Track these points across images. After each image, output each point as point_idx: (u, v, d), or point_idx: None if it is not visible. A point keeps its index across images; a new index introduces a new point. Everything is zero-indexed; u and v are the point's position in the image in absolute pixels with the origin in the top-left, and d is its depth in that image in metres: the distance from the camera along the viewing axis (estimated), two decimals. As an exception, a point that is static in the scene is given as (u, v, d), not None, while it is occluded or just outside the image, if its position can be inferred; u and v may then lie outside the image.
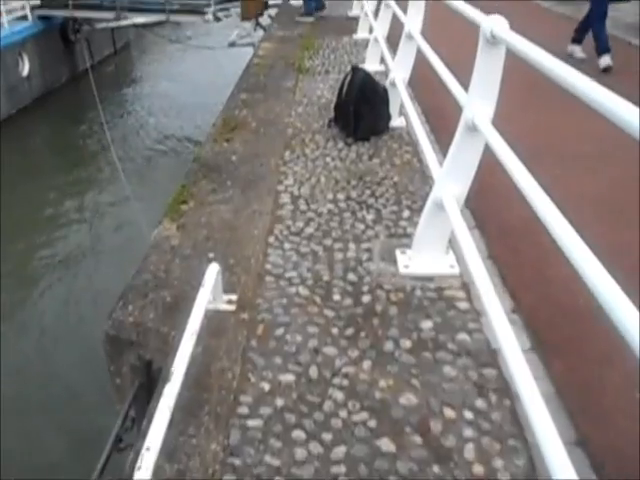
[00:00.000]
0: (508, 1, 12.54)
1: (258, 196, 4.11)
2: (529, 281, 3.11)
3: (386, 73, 6.86)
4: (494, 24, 2.44)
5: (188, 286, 3.16)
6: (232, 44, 17.27)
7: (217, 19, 16.79)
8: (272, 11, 16.58)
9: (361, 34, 9.06)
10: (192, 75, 18.99)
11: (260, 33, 16.38)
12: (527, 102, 5.73)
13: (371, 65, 7.13)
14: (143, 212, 8.78)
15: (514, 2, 12.38)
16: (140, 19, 17.41)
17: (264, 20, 16.51)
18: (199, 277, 2.75)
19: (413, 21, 4.99)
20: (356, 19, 10.59)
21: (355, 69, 5.29)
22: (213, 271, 2.80)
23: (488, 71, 2.61)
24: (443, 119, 5.37)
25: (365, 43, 8.59)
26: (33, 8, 17.86)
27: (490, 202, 3.86)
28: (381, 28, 6.94)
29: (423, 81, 5.16)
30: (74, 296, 8.87)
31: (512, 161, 2.18)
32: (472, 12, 2.86)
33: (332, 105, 5.57)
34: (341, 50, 8.40)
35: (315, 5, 10.95)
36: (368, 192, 4.13)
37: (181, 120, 16.04)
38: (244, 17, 15.87)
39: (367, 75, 5.24)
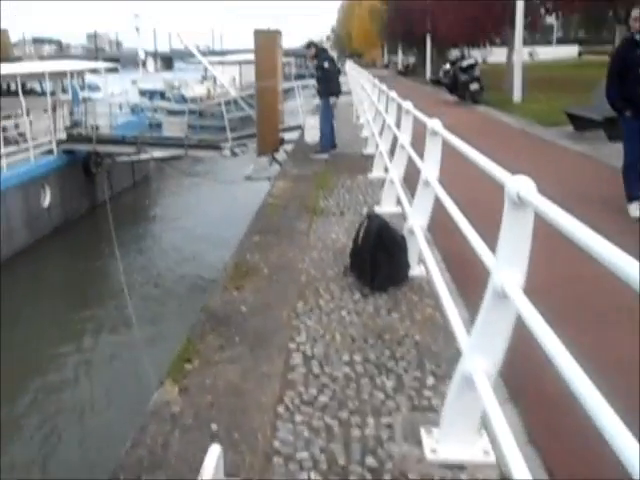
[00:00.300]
0: (524, 141, 12.99)
1: (268, 355, 3.80)
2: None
3: (403, 216, 6.75)
4: (520, 185, 2.26)
5: (186, 466, 2.80)
6: (248, 178, 17.58)
7: (234, 154, 17.19)
8: (288, 146, 17.02)
9: (376, 173, 9.05)
10: (209, 208, 19.31)
11: (276, 167, 16.74)
12: (554, 247, 5.50)
13: (387, 207, 7.04)
14: (149, 355, 8.44)
15: (532, 142, 12.72)
16: (159, 153, 17.88)
17: (280, 155, 16.89)
18: (199, 455, 2.42)
19: (430, 167, 4.86)
20: (371, 157, 10.72)
21: (371, 216, 5.13)
22: (214, 454, 2.44)
23: (516, 234, 2.40)
24: (464, 267, 5.12)
25: (380, 182, 8.56)
26: (59, 143, 18.46)
27: (524, 367, 3.51)
28: (397, 169, 6.88)
29: (441, 225, 4.96)
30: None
31: (545, 333, 1.91)
32: (495, 169, 2.69)
33: (348, 251, 5.37)
34: (356, 190, 8.35)
35: (330, 144, 11.13)
36: (387, 353, 3.80)
37: (196, 254, 16.07)
38: (260, 152, 16.25)
39: (384, 222, 5.06)
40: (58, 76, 20.70)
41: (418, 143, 6.29)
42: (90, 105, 21.19)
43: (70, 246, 16.56)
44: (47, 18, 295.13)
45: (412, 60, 55.21)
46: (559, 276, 4.88)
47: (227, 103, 19.07)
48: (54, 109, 18.71)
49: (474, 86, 20.55)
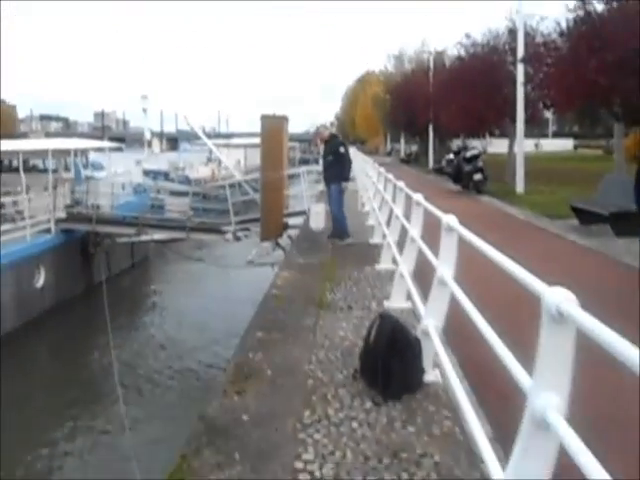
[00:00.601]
0: (532, 234, 12.82)
1: (272, 477, 3.40)
2: None
3: (414, 312, 6.42)
4: (560, 298, 2.03)
5: None
6: (251, 263, 17.33)
7: (237, 238, 17.01)
8: (292, 231, 16.85)
9: (384, 265, 8.77)
10: (210, 294, 18.95)
11: (279, 253, 16.52)
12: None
13: (397, 302, 6.73)
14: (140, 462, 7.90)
15: (540, 235, 12.54)
16: (160, 235, 17.70)
17: (283, 240, 16.70)
18: None
19: (446, 266, 4.57)
20: (378, 247, 10.48)
21: (384, 316, 4.81)
22: None
23: (555, 353, 2.15)
24: (484, 373, 4.77)
25: (389, 275, 8.28)
26: (58, 222, 18.31)
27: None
28: (406, 263, 6.59)
29: (456, 326, 4.64)
30: None
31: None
32: (528, 277, 2.42)
33: (357, 350, 5.02)
34: (364, 282, 8.04)
35: (345, 228, 10.96)
36: (405, 476, 3.40)
37: (193, 342, 15.58)
38: (264, 238, 16.06)
39: (397, 323, 4.74)
40: (61, 154, 20.77)
41: (428, 234, 6.09)
42: (92, 184, 21.16)
43: (62, 330, 16.05)
44: (55, 95, 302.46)
45: (414, 148, 56.14)
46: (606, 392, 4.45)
47: (231, 186, 19.02)
48: (55, 187, 18.64)
49: (478, 176, 20.66)
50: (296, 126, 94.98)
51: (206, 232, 17.38)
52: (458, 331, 5.18)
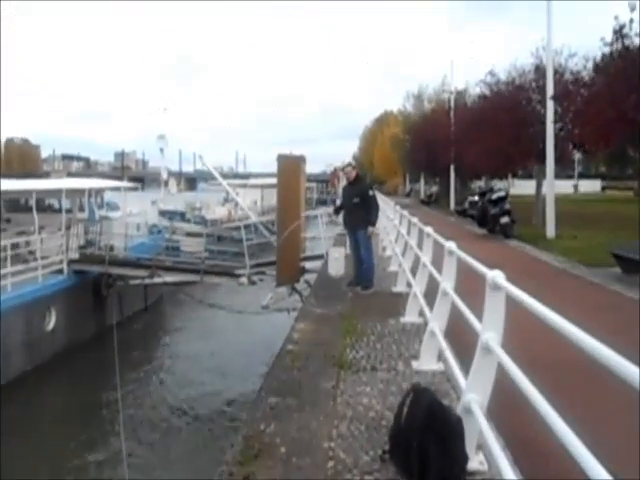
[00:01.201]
0: (571, 284, 11.92)
1: None
2: None
3: (446, 375, 5.70)
4: None
5: None
6: (265, 307, 16.61)
7: (252, 282, 16.39)
8: (309, 276, 16.19)
9: (410, 317, 8.05)
10: (222, 338, 18.32)
11: (296, 298, 15.83)
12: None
13: (427, 363, 6.02)
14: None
15: (580, 285, 11.64)
16: (174, 278, 17.14)
17: (300, 285, 16.03)
18: None
19: (491, 329, 3.87)
20: (401, 296, 9.77)
21: (418, 390, 4.09)
22: None
23: None
24: (539, 456, 4.09)
25: (416, 329, 7.58)
26: (71, 262, 17.83)
27: None
28: (438, 319, 5.88)
29: (502, 396, 3.93)
30: None
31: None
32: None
33: (383, 423, 4.32)
34: (388, 337, 7.32)
35: (372, 279, 10.28)
36: None
37: (203, 390, 14.88)
38: (280, 282, 15.38)
39: (434, 399, 4.02)
40: (75, 194, 20.37)
41: (462, 286, 5.43)
42: (106, 224, 20.76)
43: (72, 374, 15.45)
44: (77, 135, 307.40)
45: (434, 189, 55.55)
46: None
47: (246, 227, 18.42)
48: (68, 227, 18.20)
49: (505, 219, 19.83)
50: (312, 166, 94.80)
51: (220, 275, 16.75)
52: (503, 402, 4.47)
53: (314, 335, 7.36)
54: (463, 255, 5.34)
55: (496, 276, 3.71)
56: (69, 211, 20.19)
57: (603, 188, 73.12)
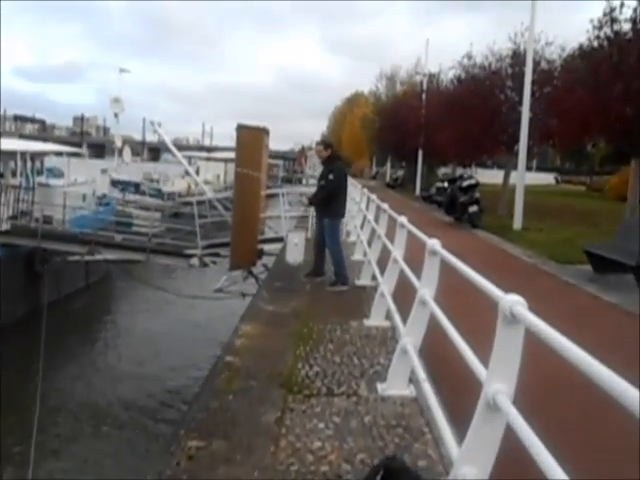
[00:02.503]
0: (544, 282, 10.92)
1: None
2: None
3: (420, 404, 4.48)
4: None
5: None
6: (219, 291, 15.21)
7: (203, 264, 14.98)
8: (268, 259, 14.86)
9: (376, 320, 6.81)
10: (170, 320, 16.97)
11: (251, 281, 14.49)
12: None
13: (396, 386, 4.79)
14: None
15: (554, 285, 10.66)
16: (115, 256, 15.62)
17: (257, 268, 14.68)
18: None
19: (500, 378, 2.64)
20: (365, 291, 8.56)
21: (390, 468, 2.83)
22: None
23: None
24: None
25: (382, 336, 6.37)
26: (-4, 233, 16.04)
27: None
28: (414, 331, 4.63)
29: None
30: None
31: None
32: None
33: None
34: (349, 346, 6.06)
35: (343, 272, 8.97)
36: None
37: (140, 385, 13.52)
38: (234, 266, 13.96)
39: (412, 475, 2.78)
40: (7, 156, 18.26)
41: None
42: (45, 193, 18.65)
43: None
44: (32, 93, 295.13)
45: (400, 173, 54.33)
46: None
47: (201, 203, 16.81)
48: (-7, 194, 16.26)
49: (473, 208, 18.76)
50: (280, 144, 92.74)
51: (169, 255, 15.25)
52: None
53: (260, 342, 6.05)
54: (447, 254, 4.09)
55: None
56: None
57: (557, 180, 74.24)
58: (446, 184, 21.54)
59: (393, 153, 53.91)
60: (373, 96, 70.77)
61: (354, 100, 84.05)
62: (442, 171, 49.80)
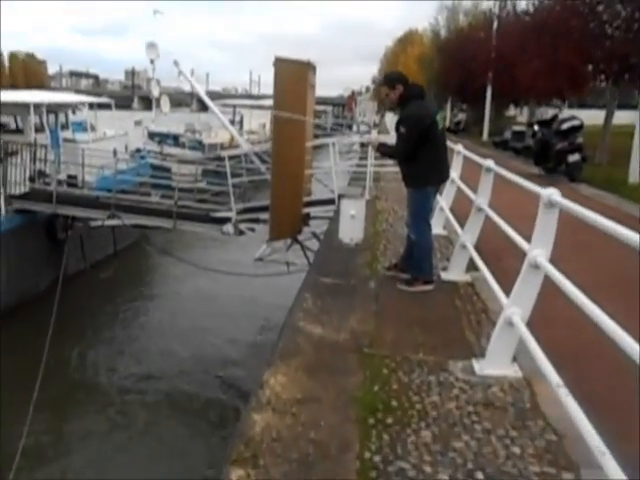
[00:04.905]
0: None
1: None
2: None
3: None
4: None
5: None
6: (259, 259, 12.61)
7: (240, 232, 12.38)
8: (317, 223, 12.19)
9: (495, 363, 4.04)
10: (202, 298, 14.80)
11: (296, 248, 11.91)
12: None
13: None
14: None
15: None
16: (138, 221, 13.24)
17: (303, 235, 12.02)
18: None
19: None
20: (458, 290, 5.78)
21: None
22: None
23: None
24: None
25: (515, 402, 3.61)
26: (10, 198, 13.90)
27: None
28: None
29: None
30: None
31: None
32: None
33: None
34: (458, 427, 3.33)
35: (423, 266, 6.00)
36: None
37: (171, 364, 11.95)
38: (273, 236, 11.31)
39: None
40: (25, 109, 16.01)
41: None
42: (72, 149, 16.61)
43: (13, 338, 11.88)
44: (86, 50, 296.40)
45: (461, 116, 50.13)
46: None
47: (233, 158, 13.94)
48: (11, 153, 14.06)
49: (574, 157, 15.07)
50: (328, 90, 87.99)
51: (199, 222, 12.69)
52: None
53: (297, 422, 3.34)
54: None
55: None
56: (17, 131, 16.07)
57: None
58: (536, 127, 17.70)
59: (454, 95, 49.69)
60: (431, 32, 65.55)
61: (407, 39, 78.81)
62: (510, 113, 45.81)
